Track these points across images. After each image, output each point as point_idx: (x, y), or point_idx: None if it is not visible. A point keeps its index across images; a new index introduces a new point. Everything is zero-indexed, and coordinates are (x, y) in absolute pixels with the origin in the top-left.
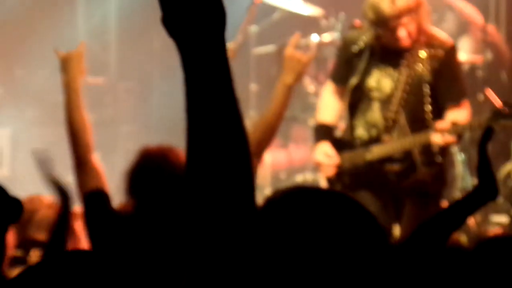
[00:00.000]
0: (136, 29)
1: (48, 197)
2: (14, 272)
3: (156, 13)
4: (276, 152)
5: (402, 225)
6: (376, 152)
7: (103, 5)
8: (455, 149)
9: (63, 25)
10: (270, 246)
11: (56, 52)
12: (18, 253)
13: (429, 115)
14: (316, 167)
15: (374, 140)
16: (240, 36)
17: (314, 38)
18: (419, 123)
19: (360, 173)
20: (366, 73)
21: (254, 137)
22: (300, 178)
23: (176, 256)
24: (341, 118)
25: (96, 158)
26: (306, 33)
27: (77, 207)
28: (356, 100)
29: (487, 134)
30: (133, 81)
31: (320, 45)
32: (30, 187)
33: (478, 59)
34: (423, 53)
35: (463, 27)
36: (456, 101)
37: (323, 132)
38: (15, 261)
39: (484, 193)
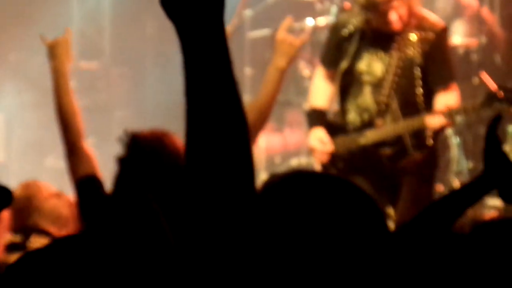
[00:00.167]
0: (130, 14)
1: (45, 182)
2: (13, 257)
3: None
4: (270, 136)
5: (397, 208)
6: (370, 136)
7: None
8: (450, 133)
9: (58, 9)
10: (270, 231)
11: (42, 39)
12: (17, 238)
13: (420, 98)
14: (311, 152)
15: (367, 124)
16: (235, 19)
17: (309, 22)
18: (410, 107)
19: (354, 158)
20: (356, 56)
21: None
22: (295, 162)
23: (174, 240)
24: (333, 101)
25: (88, 144)
26: (300, 17)
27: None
28: (347, 84)
29: (496, 121)
30: (127, 66)
31: (315, 29)
32: (24, 172)
33: (472, 42)
34: (413, 36)
35: (458, 10)
36: (444, 84)
37: (316, 117)
38: (14, 247)
39: (494, 179)
